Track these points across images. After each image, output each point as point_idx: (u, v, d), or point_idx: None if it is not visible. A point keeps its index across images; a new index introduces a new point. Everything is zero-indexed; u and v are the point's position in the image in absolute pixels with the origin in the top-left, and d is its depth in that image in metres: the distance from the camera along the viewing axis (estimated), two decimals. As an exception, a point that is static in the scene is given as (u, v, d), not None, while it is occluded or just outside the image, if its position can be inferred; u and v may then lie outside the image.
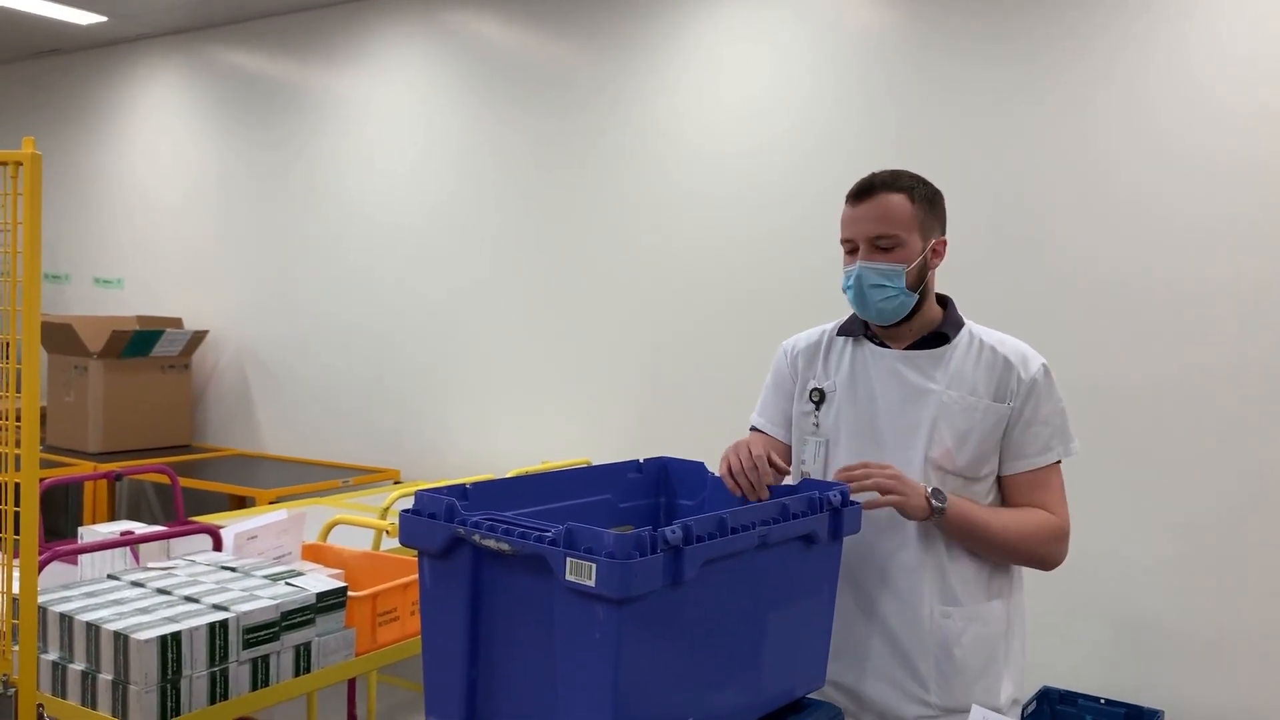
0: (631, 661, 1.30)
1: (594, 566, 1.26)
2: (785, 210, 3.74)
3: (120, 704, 1.97)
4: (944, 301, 1.95)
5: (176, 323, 5.41)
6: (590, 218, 4.17)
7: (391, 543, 3.08)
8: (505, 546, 1.36)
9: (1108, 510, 3.16)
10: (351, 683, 3.22)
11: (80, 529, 2.96)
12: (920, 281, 1.85)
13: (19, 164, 1.65)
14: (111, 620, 2.02)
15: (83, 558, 2.63)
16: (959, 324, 1.90)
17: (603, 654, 1.28)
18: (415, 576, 2.55)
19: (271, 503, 4.04)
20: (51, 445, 5.02)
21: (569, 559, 1.28)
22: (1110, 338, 3.21)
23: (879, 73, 3.55)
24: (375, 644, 2.43)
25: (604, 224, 4.15)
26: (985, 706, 1.67)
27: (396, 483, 4.58)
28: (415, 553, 2.22)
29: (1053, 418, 1.84)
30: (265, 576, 2.32)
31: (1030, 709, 2.94)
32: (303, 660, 2.22)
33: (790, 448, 1.97)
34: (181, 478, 3.58)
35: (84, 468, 4.55)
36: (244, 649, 2.09)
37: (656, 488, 1.84)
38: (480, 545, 1.40)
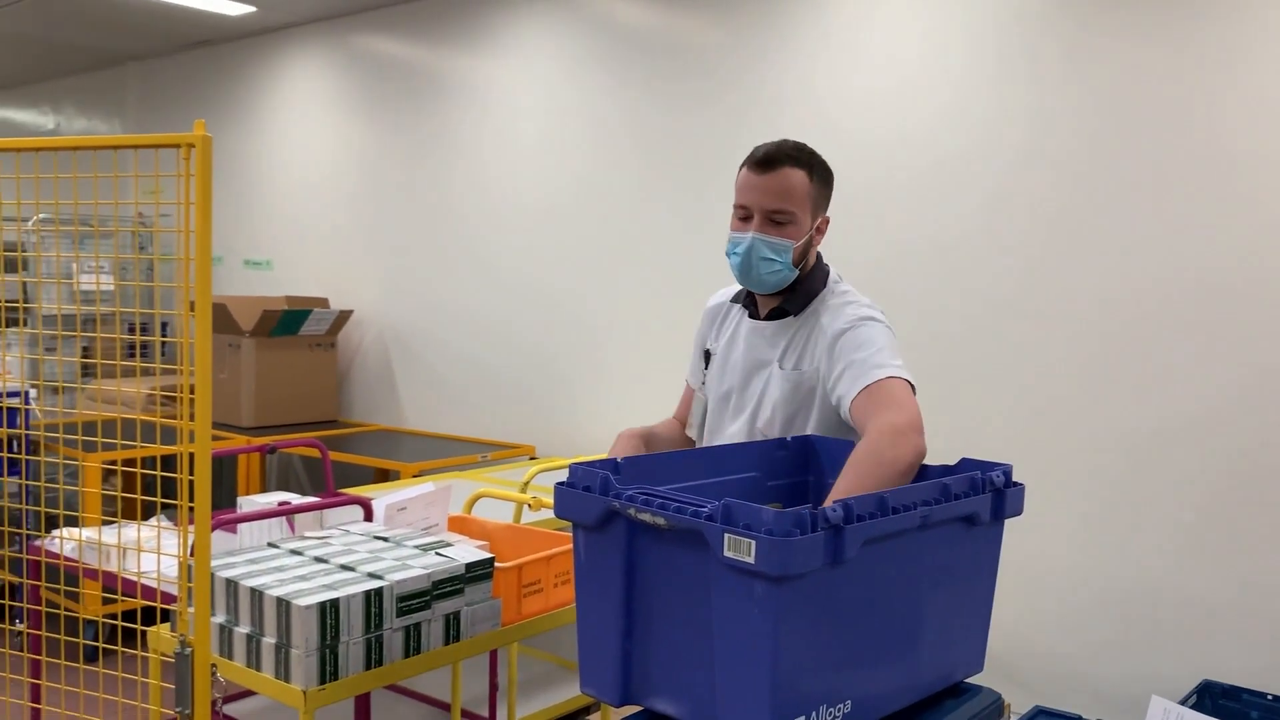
0: (790, 640, 1.28)
1: (753, 544, 1.24)
2: (924, 195, 3.63)
3: (283, 666, 2.05)
4: (814, 272, 1.96)
5: (323, 303, 5.60)
6: (722, 200, 4.13)
7: (532, 516, 3.13)
8: (661, 521, 1.36)
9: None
10: (493, 652, 3.28)
11: (239, 499, 3.09)
12: (803, 258, 1.91)
13: (191, 146, 1.72)
14: (274, 586, 2.11)
15: (242, 526, 2.75)
16: (810, 295, 1.94)
17: (761, 632, 1.27)
18: (559, 549, 2.59)
19: (414, 476, 4.15)
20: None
21: (727, 535, 1.27)
22: (1263, 331, 3.02)
23: (1035, 52, 3.41)
24: (520, 615, 2.47)
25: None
26: None
27: (532, 458, 4.65)
28: (554, 527, 2.25)
29: (864, 350, 1.79)
30: (416, 547, 2.38)
31: (1190, 703, 2.81)
32: (452, 629, 2.27)
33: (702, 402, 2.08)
34: (329, 451, 3.70)
35: (239, 441, 4.75)
36: (397, 616, 2.15)
37: (804, 465, 1.81)
38: (635, 519, 1.40)
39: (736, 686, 1.30)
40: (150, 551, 2.05)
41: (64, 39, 6.59)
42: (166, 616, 2.54)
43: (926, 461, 1.67)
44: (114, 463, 4.33)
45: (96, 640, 4.03)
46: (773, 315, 1.96)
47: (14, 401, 4.23)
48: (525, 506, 3.09)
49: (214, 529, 2.67)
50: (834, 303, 1.93)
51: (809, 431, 1.87)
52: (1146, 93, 3.17)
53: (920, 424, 1.67)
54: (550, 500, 3.02)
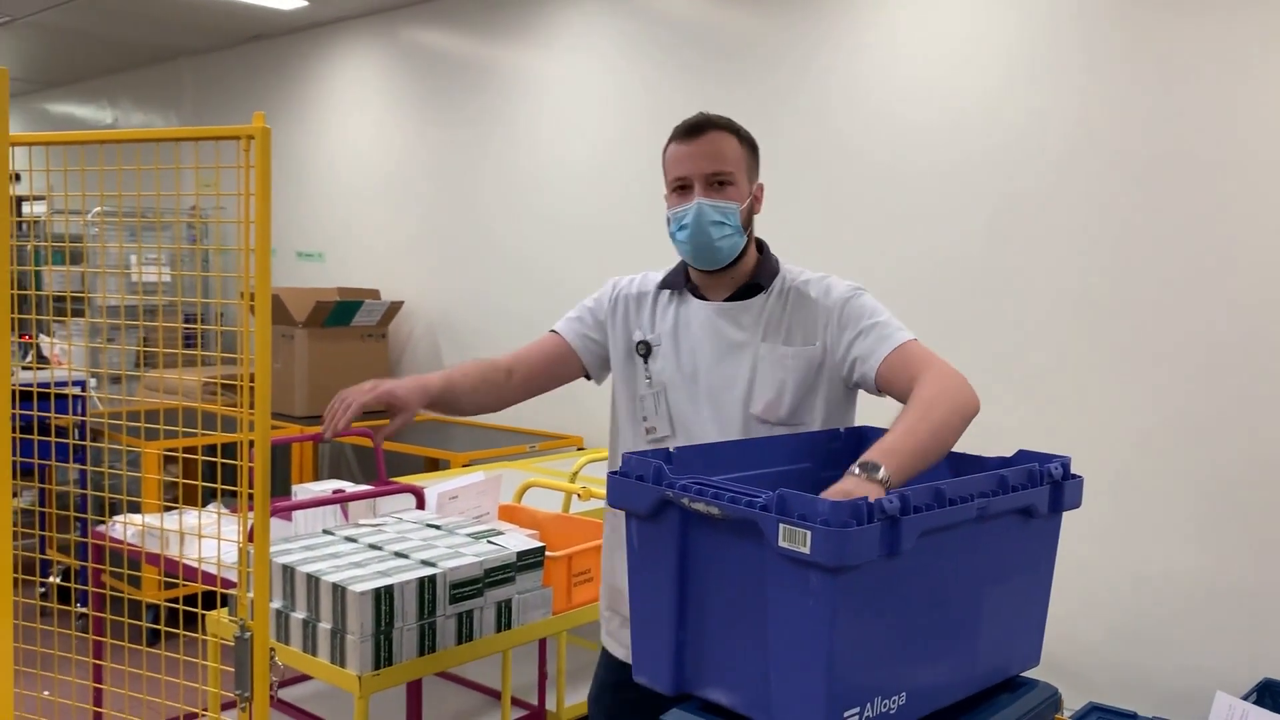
0: (845, 631, 1.27)
1: (809, 534, 1.24)
2: (975, 182, 3.59)
3: (338, 651, 2.08)
4: (761, 248, 1.95)
5: (374, 294, 5.66)
6: (776, 187, 4.10)
7: (581, 506, 3.14)
8: (715, 511, 1.36)
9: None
10: (543, 641, 3.31)
11: (294, 487, 3.14)
12: (749, 224, 1.88)
13: (250, 138, 1.74)
14: (330, 573, 2.14)
15: (297, 513, 2.79)
16: (774, 272, 1.91)
17: (816, 622, 1.26)
18: (608, 540, 2.60)
19: (464, 466, 4.19)
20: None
21: (782, 525, 1.26)
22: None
23: (1086, 33, 3.35)
24: (570, 604, 2.49)
25: (790, 195, 4.09)
26: None
27: (580, 449, 4.67)
28: (602, 516, 2.26)
29: (877, 316, 1.82)
30: (468, 535, 2.40)
31: (1251, 700, 2.76)
32: (504, 616, 2.29)
33: (572, 355, 2.04)
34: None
35: (292, 430, 4.82)
36: (450, 604, 2.17)
37: (857, 457, 1.80)
38: (689, 508, 1.40)
39: (791, 677, 1.30)
40: (209, 537, 2.08)
41: (122, 35, 6.71)
42: (224, 601, 2.59)
43: (981, 453, 1.66)
44: (173, 450, 4.41)
45: (156, 624, 4.11)
46: (739, 295, 1.89)
47: (74, 390, 4.33)
48: (574, 496, 3.10)
49: (271, 515, 2.71)
50: (809, 278, 1.90)
51: (818, 410, 1.84)
52: (1200, 76, 3.11)
53: (956, 369, 1.73)
54: (599, 490, 3.03)
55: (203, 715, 2.29)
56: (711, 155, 1.82)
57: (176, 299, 2.88)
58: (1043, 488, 1.49)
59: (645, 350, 1.94)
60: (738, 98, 4.21)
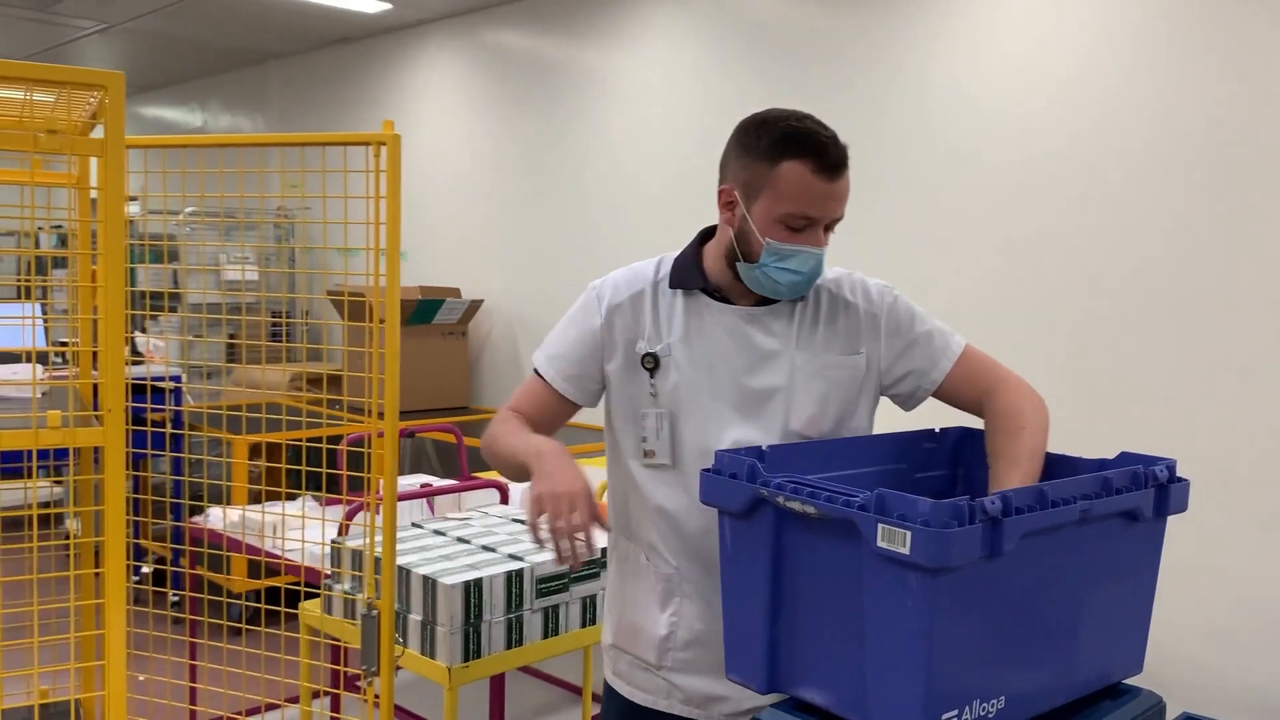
0: (944, 633, 1.26)
1: (908, 534, 1.22)
2: (1071, 180, 3.52)
3: (428, 643, 2.12)
4: None
5: (455, 293, 5.74)
6: (857, 188, 4.07)
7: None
8: (811, 509, 1.35)
9: None
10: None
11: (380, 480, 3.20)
12: None
13: (381, 144, 1.80)
14: (420, 565, 2.17)
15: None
16: None
17: (915, 623, 1.25)
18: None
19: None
20: (349, 405, 5.45)
21: (881, 525, 1.25)
22: None
23: (1190, 25, 3.26)
24: (654, 602, 2.48)
25: (872, 195, 4.05)
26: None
27: (658, 448, 4.67)
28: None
29: (925, 322, 1.73)
30: (553, 531, 2.43)
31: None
32: (589, 612, 2.31)
33: (569, 403, 1.75)
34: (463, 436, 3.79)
35: (352, 428, 4.91)
36: (537, 598, 2.20)
37: (954, 458, 1.78)
38: (783, 507, 1.39)
39: (888, 678, 1.29)
40: (310, 526, 2.13)
41: (212, 39, 6.90)
42: (313, 593, 2.65)
43: (1082, 454, 1.63)
44: (259, 444, 4.52)
45: (246, 614, 4.22)
46: (768, 299, 1.70)
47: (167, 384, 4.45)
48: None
49: (363, 510, 2.76)
50: (837, 276, 1.75)
51: (862, 420, 1.73)
52: (1313, 72, 3.00)
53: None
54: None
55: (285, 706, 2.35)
56: (843, 199, 1.64)
57: (261, 294, 2.96)
58: (1148, 490, 1.46)
59: (653, 364, 1.69)
60: (815, 94, 4.18)
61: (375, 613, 1.89)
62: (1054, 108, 3.53)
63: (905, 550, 1.23)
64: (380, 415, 1.90)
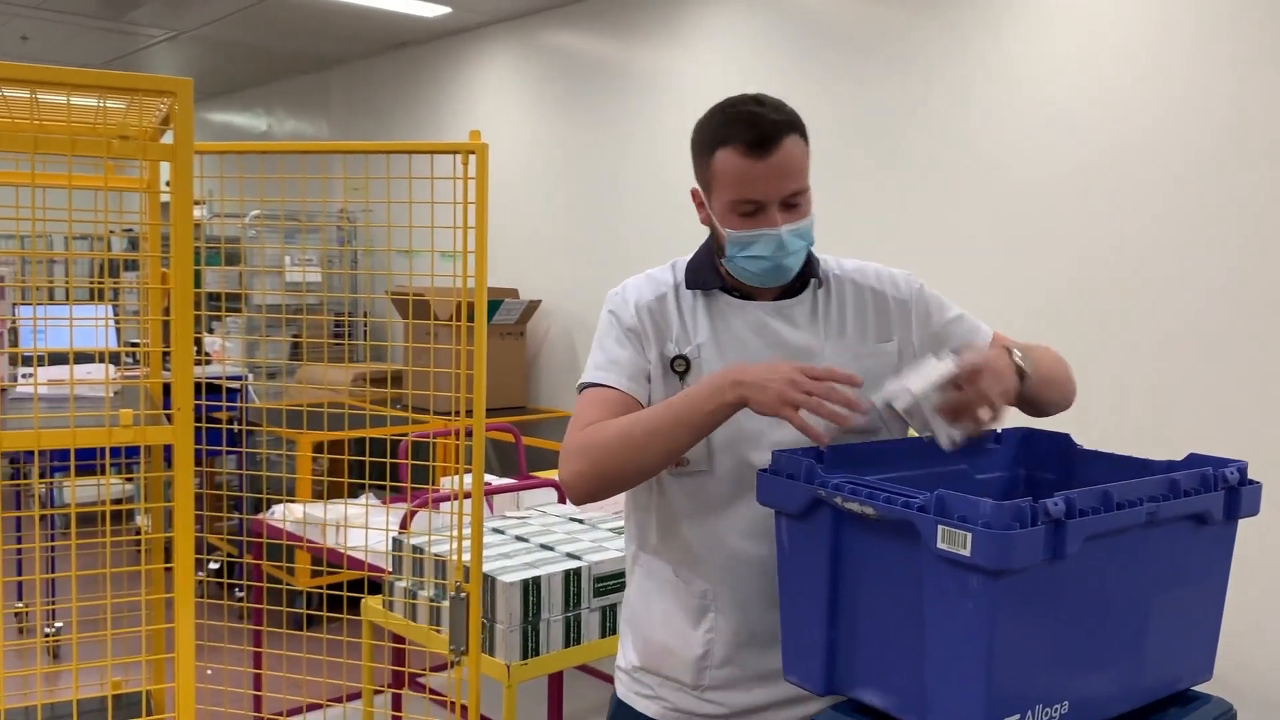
0: (1006, 636, 1.24)
1: (969, 536, 1.21)
2: (1129, 178, 3.45)
3: (487, 640, 2.14)
4: None
5: (513, 293, 5.78)
6: (914, 184, 4.04)
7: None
8: (870, 511, 1.34)
9: None
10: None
11: (441, 479, 3.24)
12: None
13: (470, 153, 1.85)
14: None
15: (444, 503, 2.88)
16: (814, 261, 1.67)
17: (976, 626, 1.24)
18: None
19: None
20: (407, 405, 5.52)
21: (941, 526, 1.24)
22: None
23: (1235, 22, 3.18)
24: (711, 602, 2.48)
25: (928, 192, 4.01)
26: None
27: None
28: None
29: (954, 308, 1.72)
30: (610, 529, 2.44)
31: None
32: (646, 613, 2.31)
33: (639, 406, 1.61)
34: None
35: (436, 424, 4.97)
36: (594, 596, 2.21)
37: (1016, 459, 1.75)
38: (842, 508, 1.38)
39: (948, 681, 1.27)
40: (371, 523, 2.17)
41: (276, 45, 7.03)
42: (376, 589, 2.68)
43: (1149, 456, 1.59)
44: (321, 443, 4.59)
45: (310, 609, 4.29)
46: (790, 291, 1.65)
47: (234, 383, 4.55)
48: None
49: (424, 507, 2.80)
50: (855, 265, 1.69)
51: (873, 406, 1.60)
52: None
53: None
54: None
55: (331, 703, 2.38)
56: (787, 172, 1.53)
57: (323, 295, 3.01)
58: (1217, 493, 1.42)
59: (684, 367, 1.62)
60: (877, 94, 4.15)
61: (464, 595, 1.94)
62: (1110, 105, 3.46)
63: (966, 552, 1.22)
64: (469, 413, 1.96)
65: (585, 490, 1.56)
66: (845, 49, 4.28)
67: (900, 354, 1.67)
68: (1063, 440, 1.71)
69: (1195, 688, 1.51)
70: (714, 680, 1.64)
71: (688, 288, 1.68)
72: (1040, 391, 1.59)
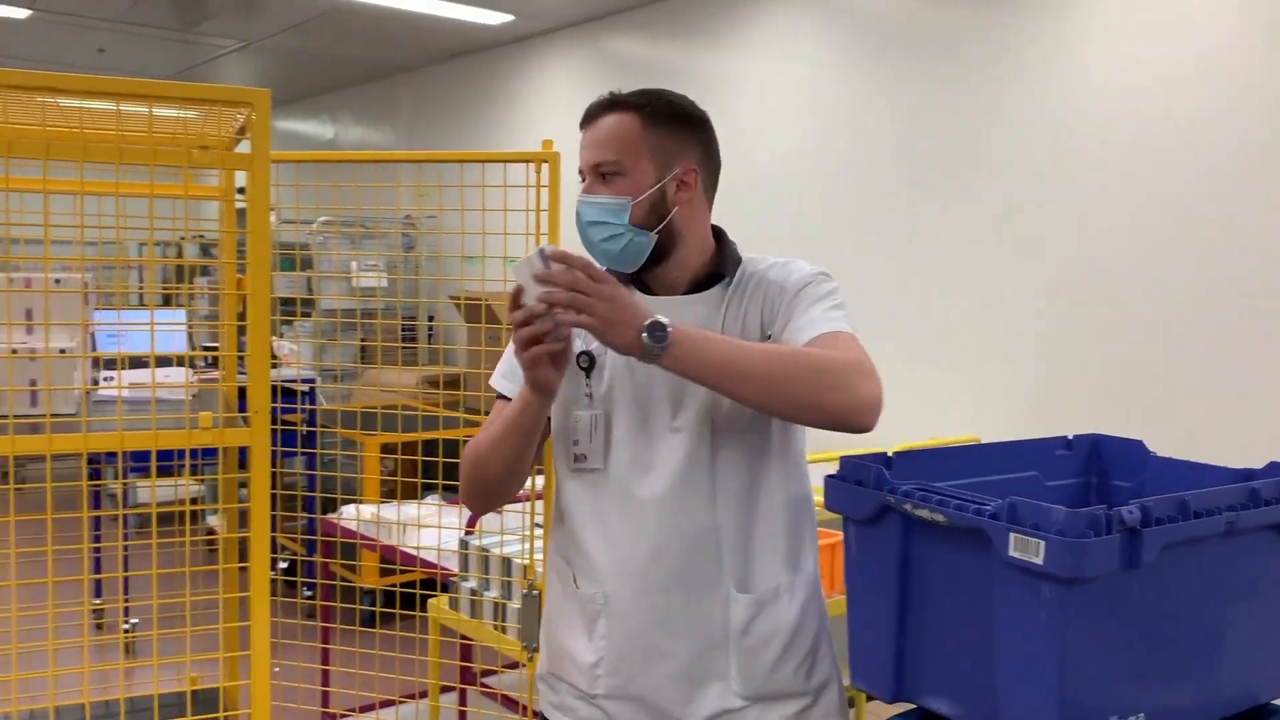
0: (1080, 646, 1.23)
1: (1042, 544, 1.20)
2: (1204, 179, 3.37)
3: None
4: (719, 236, 1.64)
5: (573, 296, 5.80)
6: (979, 185, 3.99)
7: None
8: (940, 518, 1.33)
9: None
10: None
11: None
12: (660, 219, 1.53)
13: (543, 161, 1.89)
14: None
15: (508, 506, 2.90)
16: (737, 260, 1.60)
17: (1049, 635, 1.22)
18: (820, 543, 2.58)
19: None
20: (469, 407, 5.58)
21: (1013, 534, 1.23)
22: None
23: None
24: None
25: (994, 193, 3.96)
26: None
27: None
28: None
29: (827, 301, 1.52)
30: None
31: None
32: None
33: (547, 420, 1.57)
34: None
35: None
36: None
37: (1087, 467, 1.73)
38: (911, 515, 1.38)
39: (1021, 690, 1.26)
40: (433, 524, 2.20)
41: (343, 54, 7.15)
42: (444, 588, 2.72)
43: (1226, 463, 1.56)
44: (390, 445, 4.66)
45: (376, 608, 4.35)
46: (698, 287, 1.60)
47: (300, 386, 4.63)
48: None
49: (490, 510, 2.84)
50: (776, 262, 1.62)
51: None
52: None
53: (879, 382, 1.41)
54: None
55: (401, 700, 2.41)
56: (598, 142, 1.55)
57: (395, 300, 3.05)
58: (1299, 502, 1.39)
59: (588, 363, 1.58)
60: (944, 95, 4.10)
61: (535, 593, 1.97)
62: (1184, 107, 3.39)
63: (1039, 560, 1.20)
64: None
65: (470, 505, 1.64)
66: (913, 52, 4.24)
67: (776, 332, 1.57)
68: (1135, 447, 1.69)
69: (1275, 701, 1.48)
70: (608, 689, 1.55)
71: None
72: (718, 383, 1.40)
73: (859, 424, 1.39)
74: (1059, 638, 1.22)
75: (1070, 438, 1.73)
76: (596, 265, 1.40)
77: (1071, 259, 3.74)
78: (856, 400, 1.37)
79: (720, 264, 1.60)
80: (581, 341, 1.58)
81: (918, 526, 1.38)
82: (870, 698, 1.54)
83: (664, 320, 1.34)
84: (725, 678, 1.52)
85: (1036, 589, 1.22)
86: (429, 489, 3.65)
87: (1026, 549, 1.22)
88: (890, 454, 1.56)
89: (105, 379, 2.06)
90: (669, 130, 1.58)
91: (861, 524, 1.46)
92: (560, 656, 1.61)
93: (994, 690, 1.30)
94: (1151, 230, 3.51)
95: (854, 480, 1.46)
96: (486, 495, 1.63)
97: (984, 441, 3.53)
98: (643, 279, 1.61)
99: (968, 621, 1.33)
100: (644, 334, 1.33)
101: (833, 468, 1.52)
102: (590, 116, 1.59)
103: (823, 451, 4.20)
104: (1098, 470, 1.73)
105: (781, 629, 1.53)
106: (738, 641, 1.52)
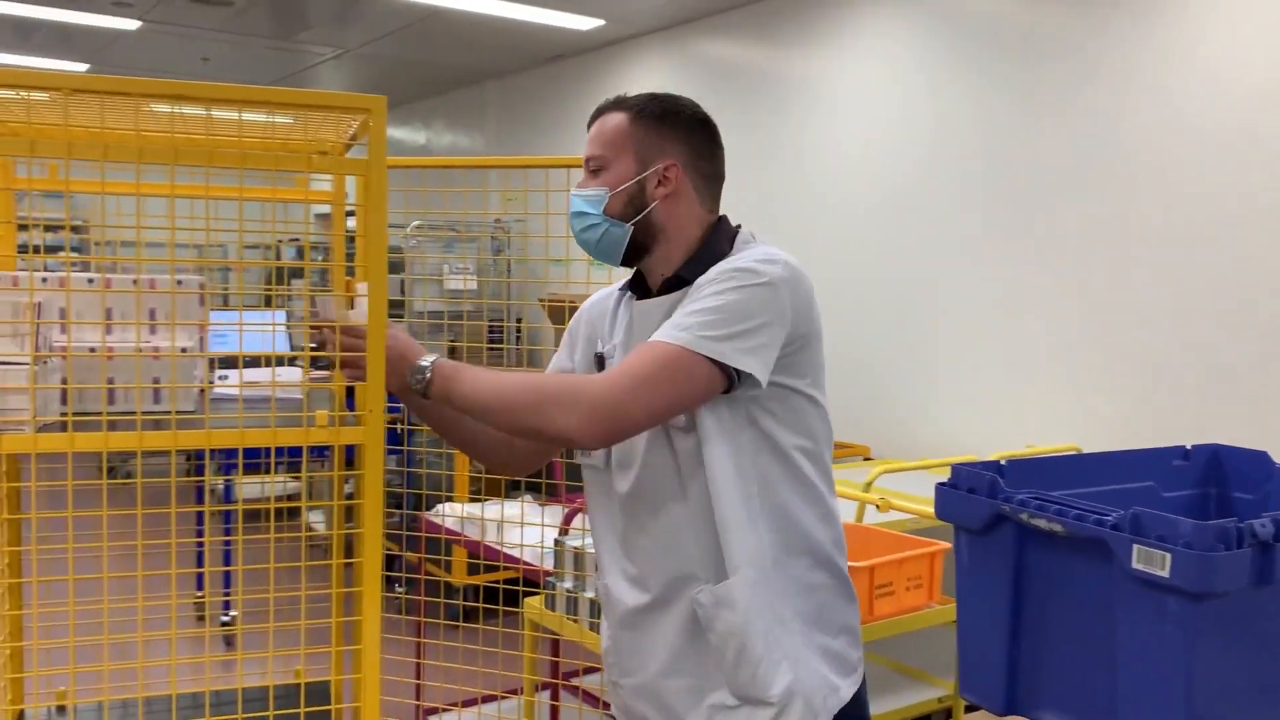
0: (1207, 663, 1.19)
1: (1168, 556, 1.17)
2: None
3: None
4: (717, 236, 1.61)
5: (661, 300, 5.82)
6: (1081, 188, 3.90)
7: (878, 517, 3.10)
8: (1058, 527, 1.31)
9: None
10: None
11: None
12: (637, 211, 1.56)
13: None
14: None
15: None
16: (713, 259, 1.55)
17: (1175, 652, 1.19)
18: (912, 552, 2.55)
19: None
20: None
21: (1136, 546, 1.20)
22: None
23: None
24: (872, 616, 2.46)
25: (1096, 196, 3.86)
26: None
27: (866, 459, 4.60)
28: (899, 529, 2.16)
29: (703, 304, 1.45)
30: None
31: None
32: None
33: None
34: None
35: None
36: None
37: (1205, 477, 1.68)
38: (1027, 524, 1.35)
39: (1144, 707, 1.23)
40: (529, 524, 2.22)
41: (435, 60, 7.27)
42: (537, 588, 2.75)
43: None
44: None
45: (469, 605, 4.41)
46: (666, 288, 1.59)
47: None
48: (871, 507, 3.07)
49: (578, 511, 2.86)
50: (741, 254, 1.58)
51: (702, 413, 1.48)
52: None
53: (648, 400, 1.40)
54: (900, 502, 2.97)
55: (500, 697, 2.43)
56: (591, 139, 1.63)
57: (482, 301, 3.09)
58: None
59: (599, 365, 1.65)
60: (1037, 100, 4.02)
61: None
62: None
63: (1164, 573, 1.17)
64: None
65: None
66: (1004, 54, 4.17)
67: None
68: (1259, 458, 1.64)
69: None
70: (618, 677, 1.63)
71: (621, 290, 1.71)
72: (469, 413, 1.51)
73: (574, 446, 1.49)
74: (1185, 654, 1.19)
75: (1188, 447, 1.69)
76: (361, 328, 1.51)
77: (1173, 266, 3.64)
78: (557, 430, 1.42)
79: (685, 267, 1.58)
80: (600, 343, 1.67)
81: (1033, 536, 1.36)
82: (969, 708, 1.52)
83: (424, 363, 1.49)
84: (710, 674, 1.51)
85: (1162, 603, 1.19)
86: (516, 486, 3.69)
87: (1151, 561, 1.19)
88: (1003, 461, 1.53)
89: (220, 378, 2.12)
90: (655, 128, 1.61)
91: (975, 533, 1.44)
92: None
93: (1113, 705, 1.27)
94: (1266, 236, 3.39)
95: (967, 488, 1.44)
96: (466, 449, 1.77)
97: (1084, 451, 3.45)
98: (642, 279, 1.65)
99: (1085, 634, 1.31)
100: (408, 375, 1.50)
101: (942, 475, 1.50)
102: (593, 116, 1.65)
103: (920, 460, 4.14)
104: (1217, 481, 1.68)
105: (736, 630, 1.48)
106: (709, 638, 1.50)
